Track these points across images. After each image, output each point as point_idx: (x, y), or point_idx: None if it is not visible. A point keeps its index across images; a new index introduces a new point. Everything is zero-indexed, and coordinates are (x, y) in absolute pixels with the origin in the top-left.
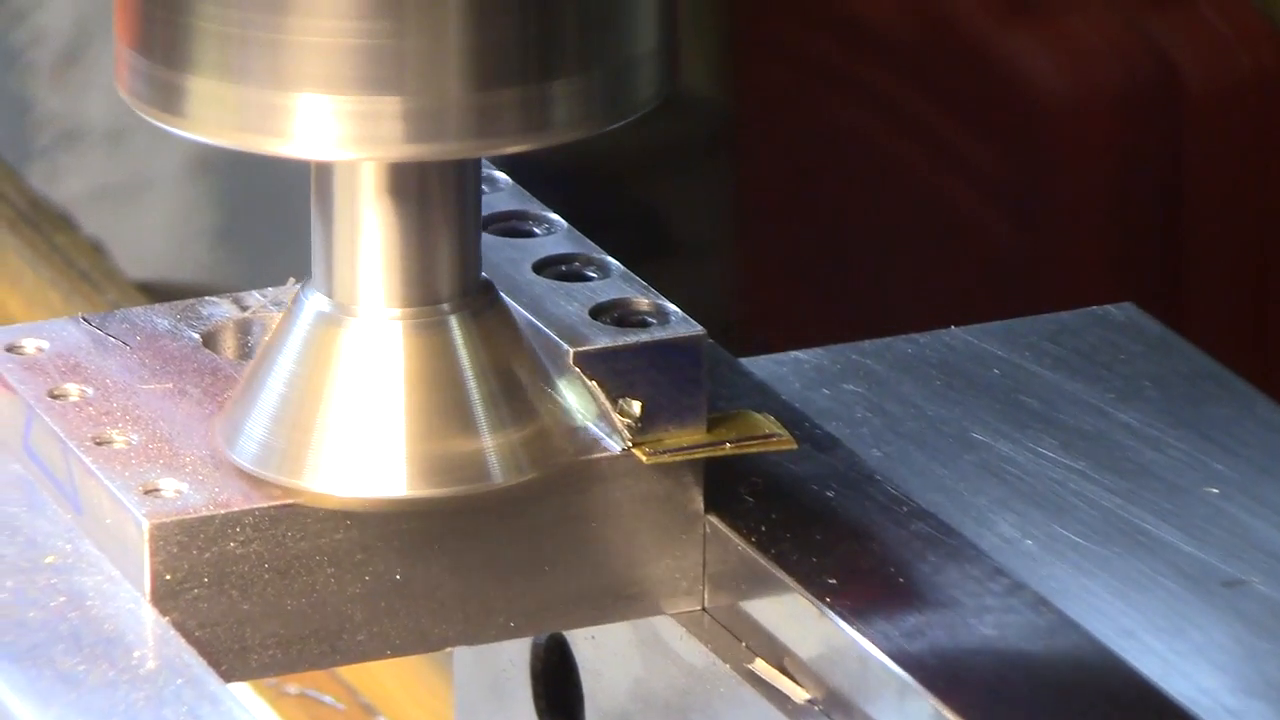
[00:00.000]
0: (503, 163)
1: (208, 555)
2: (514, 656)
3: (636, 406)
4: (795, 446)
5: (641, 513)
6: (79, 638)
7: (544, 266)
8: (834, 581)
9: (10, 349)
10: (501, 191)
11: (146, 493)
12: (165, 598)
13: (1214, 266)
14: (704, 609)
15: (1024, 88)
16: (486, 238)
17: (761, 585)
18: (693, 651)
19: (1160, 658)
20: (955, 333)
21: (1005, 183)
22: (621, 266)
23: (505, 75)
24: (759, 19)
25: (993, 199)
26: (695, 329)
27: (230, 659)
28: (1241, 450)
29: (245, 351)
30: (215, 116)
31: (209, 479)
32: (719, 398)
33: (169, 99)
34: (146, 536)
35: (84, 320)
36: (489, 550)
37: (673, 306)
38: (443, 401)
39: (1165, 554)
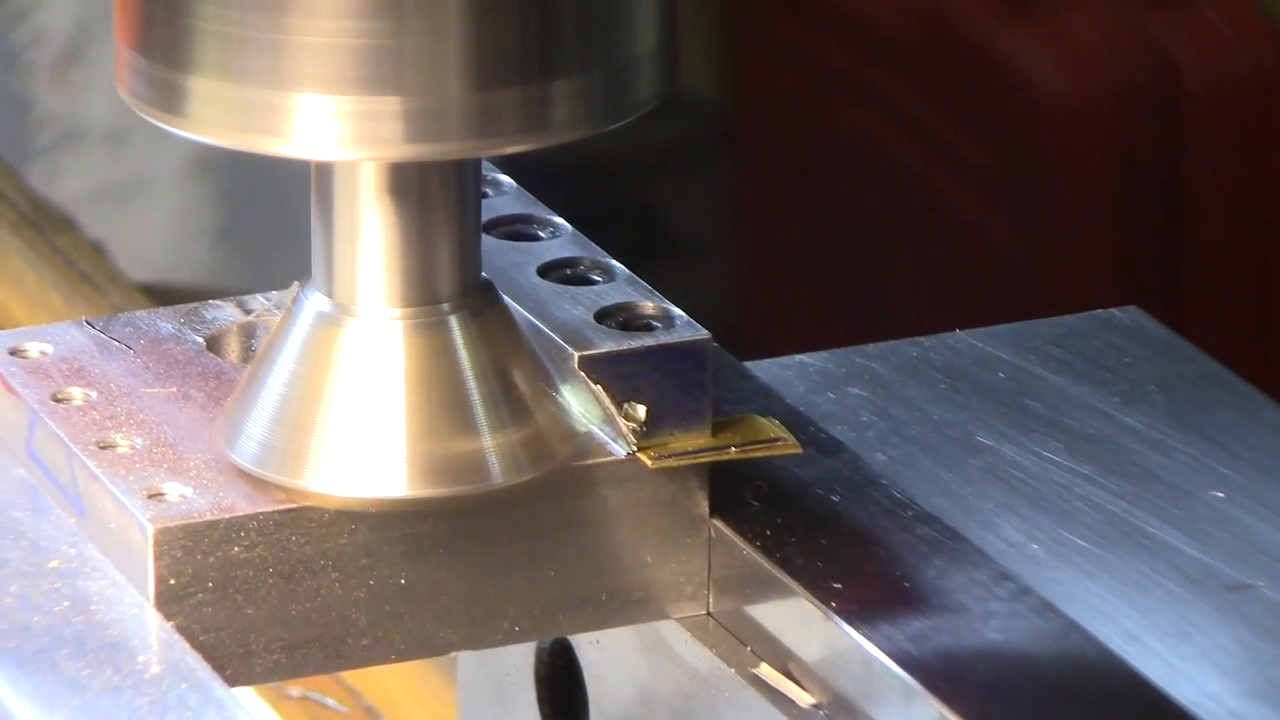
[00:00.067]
0: (502, 163)
1: (212, 560)
2: (518, 661)
3: (641, 410)
4: (800, 450)
5: (646, 517)
6: (83, 642)
7: (549, 270)
8: (839, 585)
9: (13, 352)
10: (506, 195)
11: (150, 497)
12: (169, 602)
13: (1214, 266)
14: (709, 613)
15: (1024, 88)
16: (491, 241)
17: (767, 589)
18: (698, 656)
19: (1165, 661)
20: (960, 336)
21: (1005, 182)
22: (626, 270)
23: (505, 75)
24: (759, 19)
25: (992, 198)
26: (700, 333)
27: (234, 664)
28: (1247, 454)
29: (249, 355)
30: (215, 116)
31: (213, 483)
32: (723, 401)
33: (169, 99)
34: (151, 541)
35: (87, 324)
36: (494, 555)
37: (678, 310)
38: (443, 401)
39: (1170, 558)
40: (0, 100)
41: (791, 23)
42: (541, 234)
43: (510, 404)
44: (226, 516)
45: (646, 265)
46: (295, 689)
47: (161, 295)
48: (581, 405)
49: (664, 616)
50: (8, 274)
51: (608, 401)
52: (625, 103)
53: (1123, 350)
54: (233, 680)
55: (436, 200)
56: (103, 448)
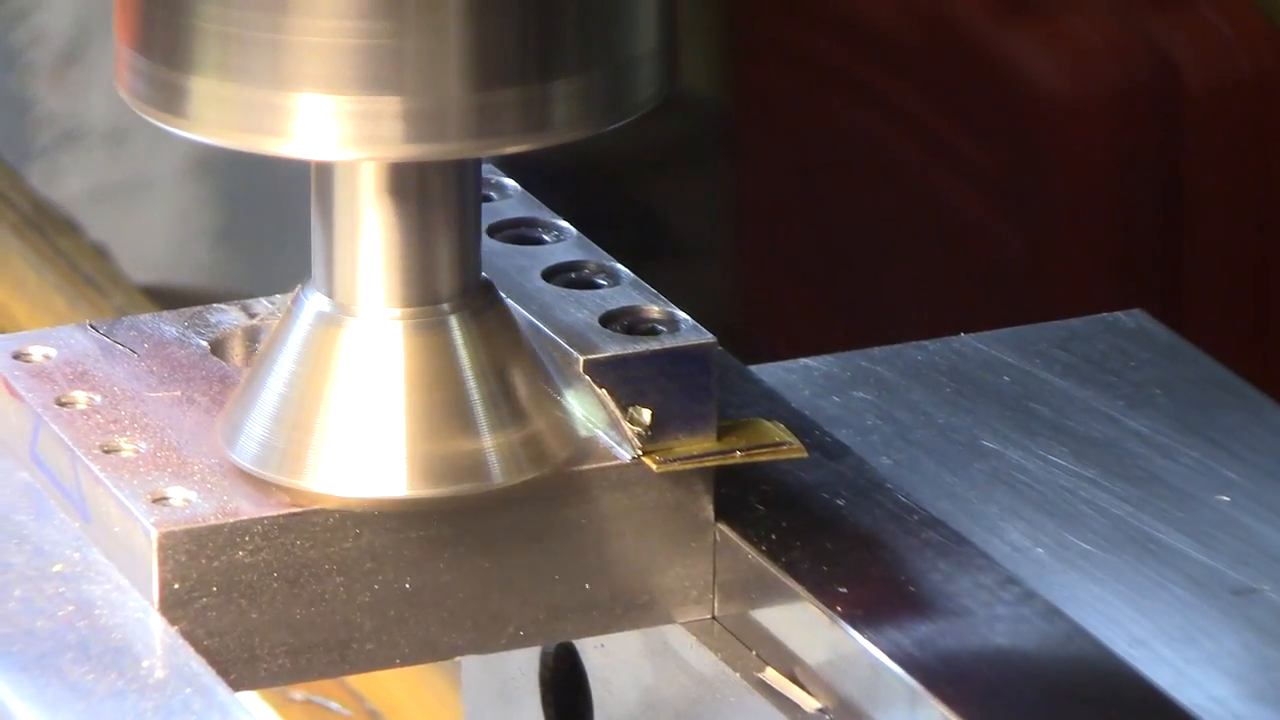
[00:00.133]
0: (503, 163)
1: (216, 564)
2: (523, 665)
3: (647, 415)
4: (805, 454)
5: (651, 521)
6: (87, 647)
7: (553, 274)
8: (844, 590)
9: (17, 356)
10: (510, 198)
11: (155, 501)
12: (174, 606)
13: (1214, 266)
14: (714, 617)
15: (1024, 88)
16: (495, 245)
17: (772, 593)
18: (703, 660)
19: (1171, 666)
20: (965, 339)
21: (1004, 182)
22: (631, 274)
23: (505, 75)
24: (759, 19)
25: (992, 198)
26: (706, 337)
27: (239, 668)
28: (1251, 457)
29: (253, 359)
30: (215, 116)
31: (217, 487)
32: (728, 405)
33: (169, 99)
34: (155, 545)
35: (91, 327)
36: (498, 559)
37: (683, 314)
38: (443, 401)
39: (1176, 562)
40: (0, 100)
41: (791, 23)
42: (546, 238)
43: (510, 404)
44: (231, 521)
45: (646, 265)
46: (299, 693)
47: (163, 296)
48: (586, 409)
49: (669, 620)
50: (10, 277)
51: (613, 406)
52: (625, 103)
53: (1127, 354)
54: (237, 685)
55: (436, 200)
56: (107, 452)
